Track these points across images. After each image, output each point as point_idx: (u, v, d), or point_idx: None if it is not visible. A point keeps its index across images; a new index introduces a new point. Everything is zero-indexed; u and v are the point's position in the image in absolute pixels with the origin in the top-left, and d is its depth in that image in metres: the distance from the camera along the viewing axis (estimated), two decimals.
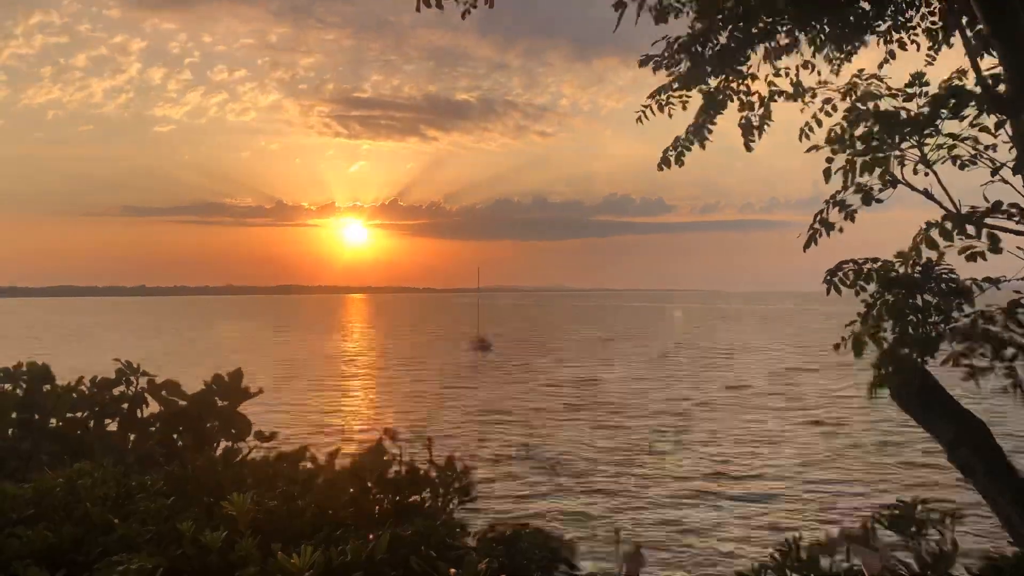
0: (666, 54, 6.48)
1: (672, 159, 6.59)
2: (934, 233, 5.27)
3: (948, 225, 5.21)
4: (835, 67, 6.83)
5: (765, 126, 6.81)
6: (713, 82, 6.57)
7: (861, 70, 6.24)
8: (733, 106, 6.72)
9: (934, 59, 6.71)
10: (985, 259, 5.09)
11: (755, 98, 6.73)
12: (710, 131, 6.58)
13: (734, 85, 6.63)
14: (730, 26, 6.28)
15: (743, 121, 6.77)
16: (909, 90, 5.73)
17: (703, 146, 6.57)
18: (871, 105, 5.84)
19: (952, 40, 6.63)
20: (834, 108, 6.36)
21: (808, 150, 5.97)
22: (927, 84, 5.74)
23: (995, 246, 5.09)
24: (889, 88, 5.97)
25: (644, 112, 6.65)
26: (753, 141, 6.79)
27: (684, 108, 6.56)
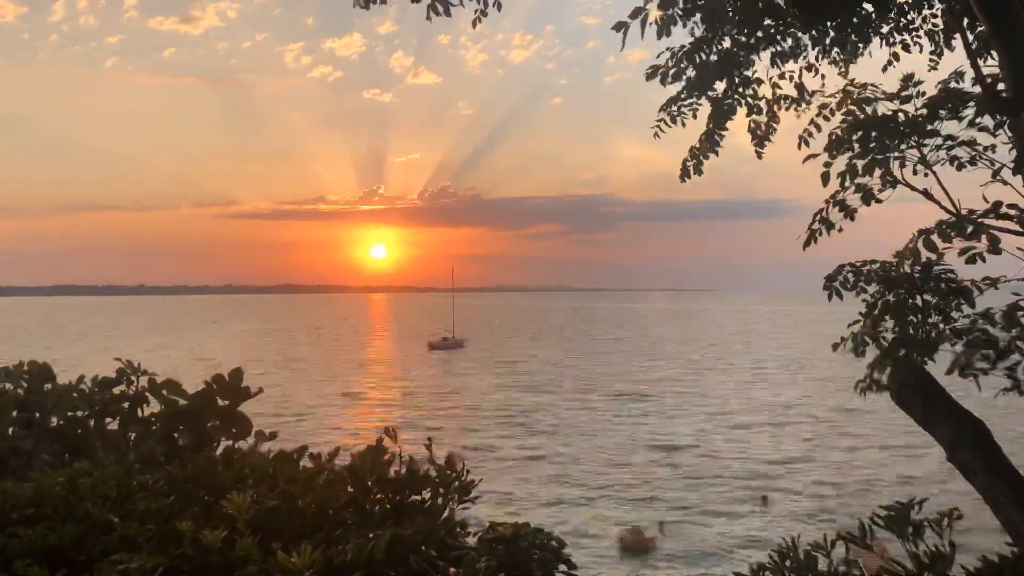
0: (670, 64, 6.45)
1: (691, 169, 6.61)
2: (932, 236, 5.26)
3: (947, 228, 5.21)
4: (842, 70, 6.83)
5: (772, 131, 6.83)
6: (720, 87, 6.54)
7: (853, 79, 6.27)
8: (742, 111, 6.71)
9: (937, 63, 6.71)
10: (984, 261, 5.08)
11: (763, 103, 6.73)
12: (721, 137, 6.56)
13: (741, 90, 6.61)
14: (733, 31, 6.26)
15: (752, 126, 6.78)
16: (903, 93, 5.74)
17: (716, 153, 6.57)
18: (868, 109, 5.86)
19: (953, 43, 6.63)
20: (831, 113, 6.37)
21: (806, 159, 5.97)
22: (921, 83, 5.75)
23: (995, 247, 5.09)
24: (884, 92, 5.98)
25: (659, 126, 6.61)
26: (763, 147, 6.82)
27: (695, 117, 6.53)
